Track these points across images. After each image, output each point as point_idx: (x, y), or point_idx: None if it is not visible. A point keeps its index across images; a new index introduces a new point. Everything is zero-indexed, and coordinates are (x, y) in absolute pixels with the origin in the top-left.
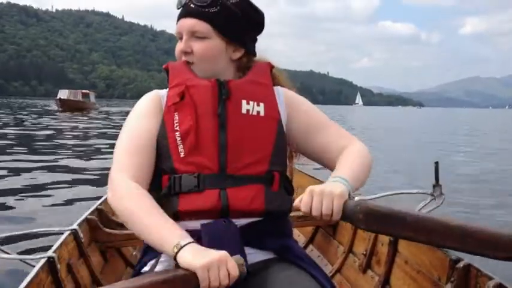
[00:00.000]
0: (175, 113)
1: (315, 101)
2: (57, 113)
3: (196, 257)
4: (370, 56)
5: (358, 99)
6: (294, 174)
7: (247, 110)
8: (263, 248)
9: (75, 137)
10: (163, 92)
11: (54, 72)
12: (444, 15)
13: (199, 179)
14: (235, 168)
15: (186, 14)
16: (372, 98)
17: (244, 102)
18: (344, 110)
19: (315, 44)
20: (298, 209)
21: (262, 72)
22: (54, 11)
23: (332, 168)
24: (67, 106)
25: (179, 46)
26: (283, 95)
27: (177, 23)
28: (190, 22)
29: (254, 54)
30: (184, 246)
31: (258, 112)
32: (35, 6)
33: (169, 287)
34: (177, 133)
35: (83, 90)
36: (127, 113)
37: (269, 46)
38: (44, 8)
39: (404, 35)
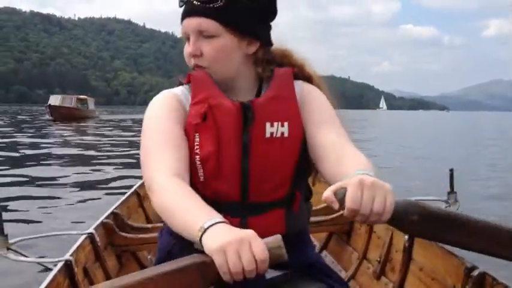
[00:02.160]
0: (196, 135)
1: (336, 105)
2: (49, 123)
3: (216, 237)
4: (391, 60)
5: (382, 103)
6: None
7: (271, 133)
8: (282, 266)
9: (82, 148)
10: (181, 92)
11: (77, 79)
12: (467, 18)
13: (219, 207)
14: (257, 196)
15: (190, 13)
16: (394, 102)
17: (268, 125)
18: (368, 114)
19: (335, 49)
20: (337, 207)
21: (284, 83)
22: (76, 19)
23: (322, 170)
24: (59, 114)
25: (187, 48)
26: (301, 92)
27: (181, 23)
28: (195, 21)
29: (271, 44)
30: (209, 227)
31: (282, 133)
32: (58, 14)
33: (185, 276)
34: (197, 156)
35: (80, 96)
36: (134, 121)
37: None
38: (66, 17)
39: (425, 38)
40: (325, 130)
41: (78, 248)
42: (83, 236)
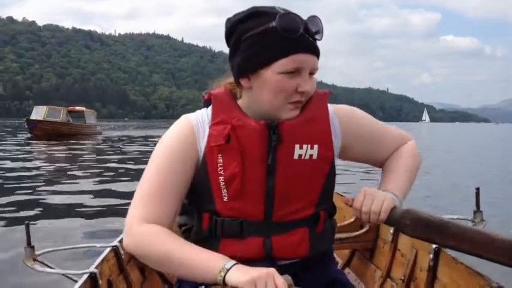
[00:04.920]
0: (219, 155)
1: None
2: (28, 141)
3: (243, 273)
4: (431, 72)
5: (425, 116)
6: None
7: (300, 155)
8: (304, 286)
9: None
10: (198, 119)
11: (117, 94)
12: (509, 28)
13: (243, 226)
14: (281, 216)
15: (309, 50)
16: (435, 114)
17: (297, 146)
18: (411, 127)
19: (373, 61)
20: (348, 204)
21: (321, 104)
22: (117, 35)
23: (378, 166)
24: (41, 131)
25: (292, 84)
26: (336, 118)
27: (289, 54)
28: (313, 59)
29: None
30: (230, 268)
31: (311, 156)
32: (99, 31)
33: None
34: (221, 177)
35: (76, 107)
36: (145, 139)
37: (325, 64)
38: (107, 33)
39: (466, 49)
40: (381, 143)
41: (102, 260)
42: (108, 249)
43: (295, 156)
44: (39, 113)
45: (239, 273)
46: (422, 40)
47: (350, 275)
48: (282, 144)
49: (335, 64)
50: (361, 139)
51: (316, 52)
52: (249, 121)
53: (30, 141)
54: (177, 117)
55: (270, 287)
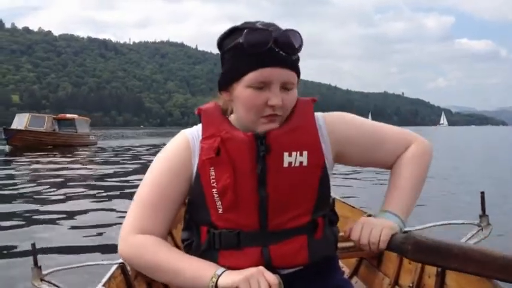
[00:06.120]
0: (211, 168)
1: (389, 122)
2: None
3: (235, 275)
4: (446, 75)
5: (443, 120)
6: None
7: (289, 163)
8: None
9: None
10: (193, 134)
11: (132, 102)
12: None
13: (240, 237)
14: (277, 225)
15: (278, 64)
16: (451, 118)
17: (286, 154)
18: (429, 131)
19: (388, 66)
20: (347, 238)
21: (305, 112)
22: (131, 43)
23: (384, 168)
24: (21, 141)
25: (261, 99)
26: (325, 125)
27: (256, 69)
28: (284, 74)
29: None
30: (221, 274)
31: (301, 163)
32: (114, 39)
33: None
34: (214, 190)
35: (67, 115)
36: (149, 151)
37: (339, 69)
38: (122, 41)
39: (481, 52)
40: (382, 146)
41: (110, 277)
42: (115, 266)
43: (285, 164)
44: (21, 121)
45: (231, 276)
46: (437, 44)
47: (358, 283)
48: (270, 153)
49: (350, 69)
50: (355, 143)
51: (287, 65)
52: (238, 133)
53: (6, 156)
54: (192, 124)
55: (262, 283)
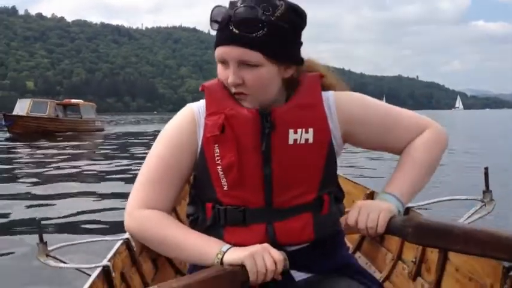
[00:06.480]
0: (216, 146)
1: (404, 106)
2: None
3: (241, 251)
4: (462, 58)
5: (459, 103)
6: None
7: (295, 140)
8: (312, 271)
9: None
10: (200, 108)
11: (145, 87)
12: None
13: (245, 214)
14: (282, 202)
15: (230, 41)
16: (467, 101)
17: (291, 131)
18: (445, 115)
19: (402, 49)
20: (343, 223)
21: (311, 89)
22: (144, 29)
23: (394, 153)
24: (22, 128)
25: (225, 75)
26: (334, 103)
27: (216, 47)
28: (237, 52)
29: (302, 62)
30: (227, 250)
31: (307, 140)
32: (127, 25)
33: (219, 282)
34: (219, 167)
35: (72, 100)
36: (154, 136)
37: (352, 52)
38: (134, 27)
39: (498, 34)
40: (394, 130)
41: (115, 253)
42: (119, 242)
43: (290, 142)
44: (22, 107)
45: (237, 252)
46: (452, 26)
47: (361, 259)
48: (275, 130)
49: (363, 53)
50: (365, 123)
51: (242, 43)
52: (242, 110)
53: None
54: None
55: (267, 259)
